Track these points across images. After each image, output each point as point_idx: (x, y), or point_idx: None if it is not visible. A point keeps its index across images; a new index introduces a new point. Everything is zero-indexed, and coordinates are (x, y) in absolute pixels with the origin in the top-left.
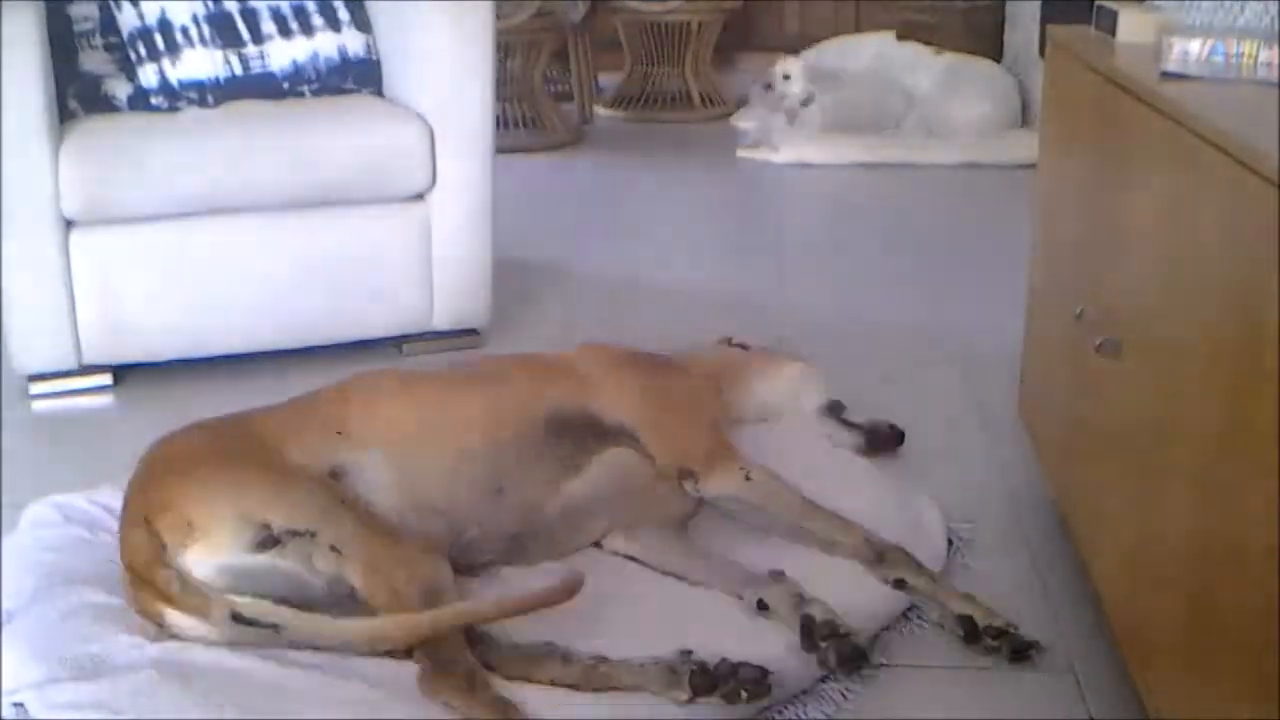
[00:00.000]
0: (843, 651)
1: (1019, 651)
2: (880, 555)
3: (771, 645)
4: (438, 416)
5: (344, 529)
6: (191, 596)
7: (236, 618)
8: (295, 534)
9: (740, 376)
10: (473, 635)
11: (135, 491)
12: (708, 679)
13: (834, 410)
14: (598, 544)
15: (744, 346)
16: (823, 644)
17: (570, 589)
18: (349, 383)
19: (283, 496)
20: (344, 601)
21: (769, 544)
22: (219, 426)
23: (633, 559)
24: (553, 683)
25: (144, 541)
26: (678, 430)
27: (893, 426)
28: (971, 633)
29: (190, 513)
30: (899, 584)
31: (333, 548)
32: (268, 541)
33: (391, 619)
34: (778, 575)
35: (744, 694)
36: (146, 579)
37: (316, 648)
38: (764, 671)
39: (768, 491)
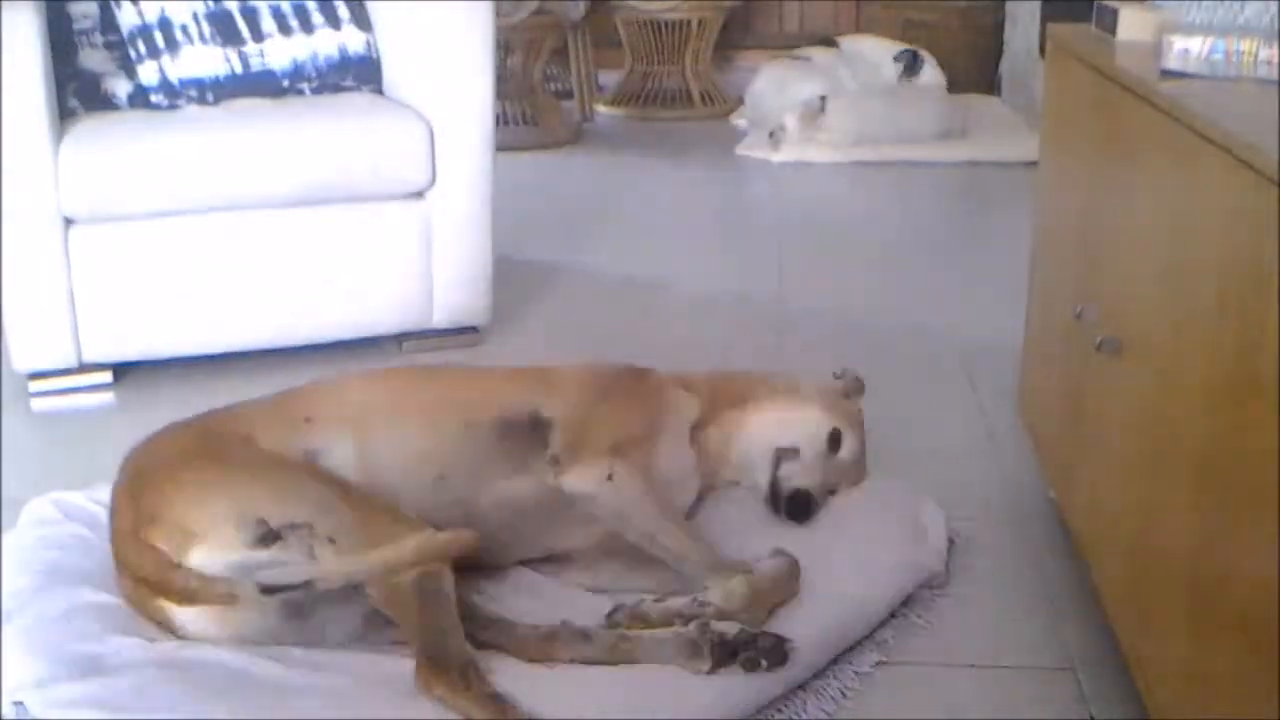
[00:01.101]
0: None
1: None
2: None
3: (790, 626)
4: (399, 402)
5: (338, 518)
6: (217, 585)
7: (266, 589)
8: (294, 527)
9: (752, 408)
10: (487, 619)
11: (123, 503)
12: (728, 648)
13: (775, 458)
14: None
15: (855, 381)
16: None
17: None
18: (323, 378)
19: (273, 490)
20: (350, 592)
21: (770, 535)
22: (193, 425)
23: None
24: (573, 661)
25: (147, 553)
26: (584, 427)
27: (802, 501)
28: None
29: (183, 518)
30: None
31: (330, 539)
32: (268, 537)
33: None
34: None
35: (764, 662)
36: (164, 585)
37: (350, 590)
38: (782, 639)
39: (625, 497)
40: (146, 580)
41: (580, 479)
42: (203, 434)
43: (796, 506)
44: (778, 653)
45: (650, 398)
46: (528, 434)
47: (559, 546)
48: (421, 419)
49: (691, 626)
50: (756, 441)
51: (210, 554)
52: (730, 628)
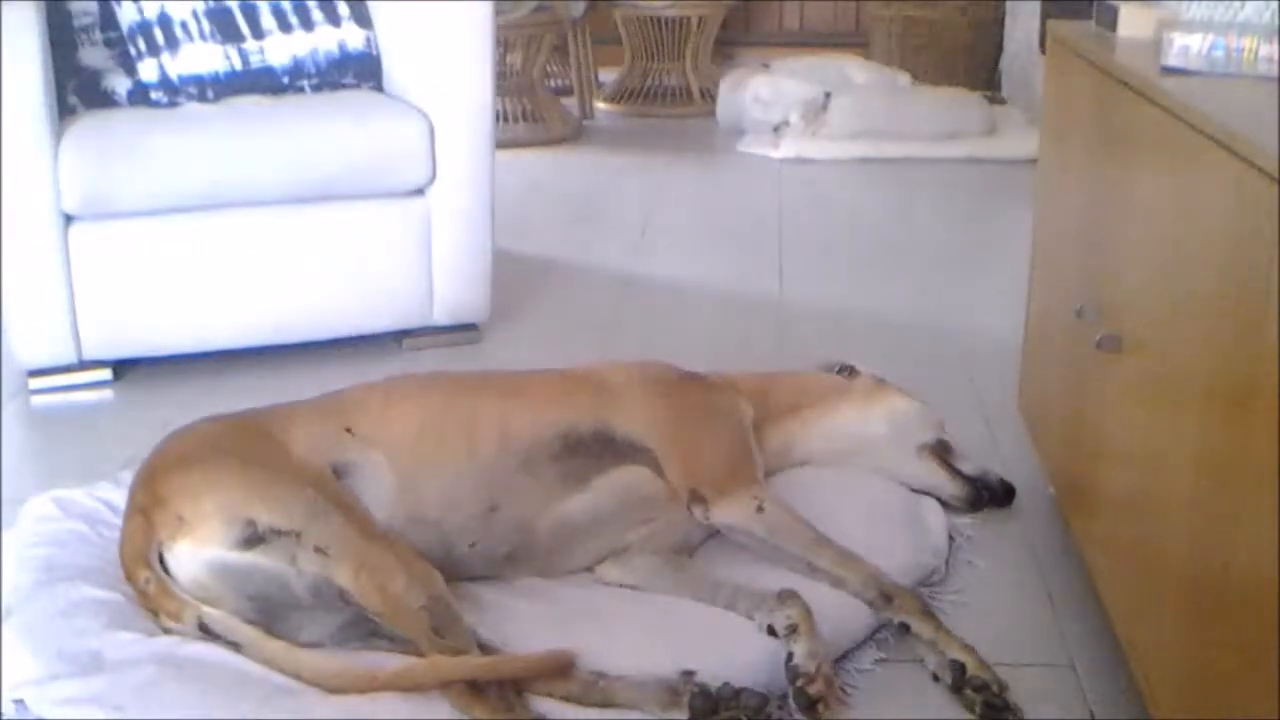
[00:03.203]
0: (799, 700)
1: (993, 709)
2: (888, 597)
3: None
4: (446, 425)
5: (331, 530)
6: (166, 599)
7: (203, 628)
8: (280, 533)
9: (821, 407)
10: (477, 643)
11: (138, 483)
12: (709, 702)
13: (939, 451)
14: (590, 569)
15: (851, 371)
16: (794, 684)
17: (562, 664)
18: (373, 384)
19: (271, 494)
20: (333, 603)
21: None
22: (228, 421)
23: (631, 587)
24: (550, 696)
25: (137, 535)
26: (696, 453)
27: (1003, 481)
28: (959, 680)
29: (181, 507)
30: (903, 628)
31: (318, 549)
32: (253, 539)
33: (352, 668)
34: (788, 595)
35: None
36: (130, 575)
37: (333, 598)
38: (765, 699)
39: (778, 525)
40: (123, 562)
41: (731, 514)
42: (235, 428)
43: (1009, 491)
44: (761, 713)
45: (727, 408)
46: (592, 450)
47: (607, 553)
48: (470, 447)
49: (676, 675)
50: (874, 441)
51: (194, 547)
52: (713, 682)
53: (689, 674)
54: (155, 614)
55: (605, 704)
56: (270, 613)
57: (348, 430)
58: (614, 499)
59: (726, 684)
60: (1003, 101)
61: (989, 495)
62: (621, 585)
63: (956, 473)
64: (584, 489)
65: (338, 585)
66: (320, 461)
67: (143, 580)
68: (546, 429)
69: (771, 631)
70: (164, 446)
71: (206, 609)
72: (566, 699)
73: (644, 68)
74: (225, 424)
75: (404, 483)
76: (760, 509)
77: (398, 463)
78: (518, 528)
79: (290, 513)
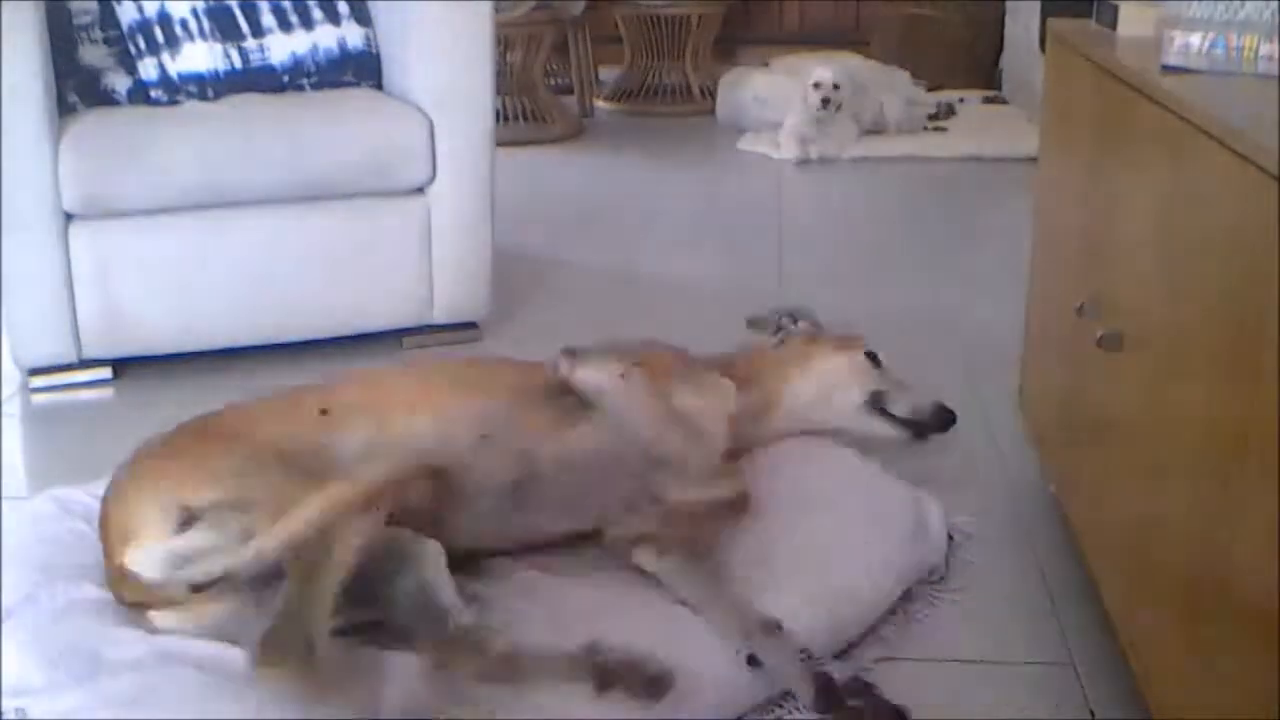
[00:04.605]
0: (880, 710)
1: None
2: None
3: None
4: (427, 386)
5: (258, 484)
6: (151, 595)
7: (195, 588)
8: (211, 505)
9: (780, 377)
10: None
11: (105, 501)
12: (612, 673)
13: (874, 403)
14: (632, 564)
15: (782, 339)
16: (853, 701)
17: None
18: (346, 371)
19: (197, 473)
20: (276, 569)
21: (786, 591)
22: (188, 424)
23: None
24: (468, 670)
25: (108, 564)
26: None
27: (940, 410)
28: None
29: (124, 522)
30: (751, 660)
31: (243, 505)
32: (188, 520)
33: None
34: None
35: (643, 689)
36: (118, 599)
37: (273, 573)
38: (668, 671)
39: (635, 398)
40: (114, 592)
41: (594, 373)
42: (187, 432)
43: (946, 418)
44: (655, 686)
45: (688, 362)
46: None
47: (619, 508)
48: (454, 398)
49: (578, 649)
50: (823, 405)
51: (143, 549)
52: (614, 654)
53: (591, 646)
54: (149, 622)
55: (519, 679)
56: (257, 594)
57: (322, 412)
58: (615, 434)
59: (627, 653)
60: (1004, 101)
61: (931, 427)
62: (652, 573)
63: (891, 418)
64: (584, 421)
65: (270, 545)
66: (293, 444)
67: (133, 591)
68: (531, 381)
69: (752, 661)
70: (125, 464)
71: (186, 571)
72: (482, 673)
73: (644, 66)
74: (179, 429)
75: (389, 436)
76: (623, 376)
77: (380, 421)
78: (519, 457)
79: (216, 483)
